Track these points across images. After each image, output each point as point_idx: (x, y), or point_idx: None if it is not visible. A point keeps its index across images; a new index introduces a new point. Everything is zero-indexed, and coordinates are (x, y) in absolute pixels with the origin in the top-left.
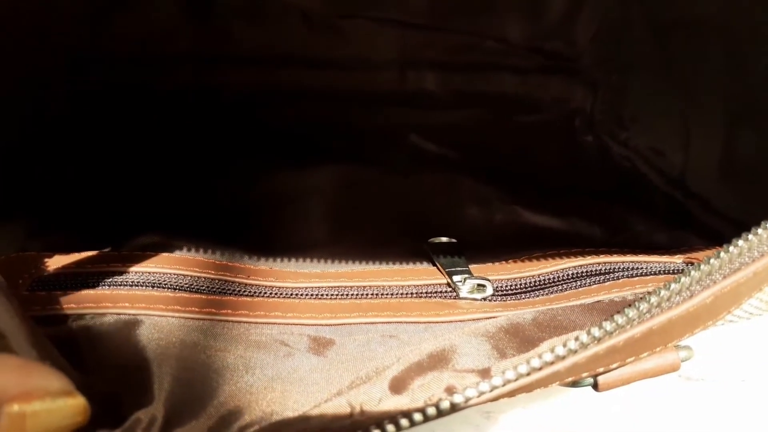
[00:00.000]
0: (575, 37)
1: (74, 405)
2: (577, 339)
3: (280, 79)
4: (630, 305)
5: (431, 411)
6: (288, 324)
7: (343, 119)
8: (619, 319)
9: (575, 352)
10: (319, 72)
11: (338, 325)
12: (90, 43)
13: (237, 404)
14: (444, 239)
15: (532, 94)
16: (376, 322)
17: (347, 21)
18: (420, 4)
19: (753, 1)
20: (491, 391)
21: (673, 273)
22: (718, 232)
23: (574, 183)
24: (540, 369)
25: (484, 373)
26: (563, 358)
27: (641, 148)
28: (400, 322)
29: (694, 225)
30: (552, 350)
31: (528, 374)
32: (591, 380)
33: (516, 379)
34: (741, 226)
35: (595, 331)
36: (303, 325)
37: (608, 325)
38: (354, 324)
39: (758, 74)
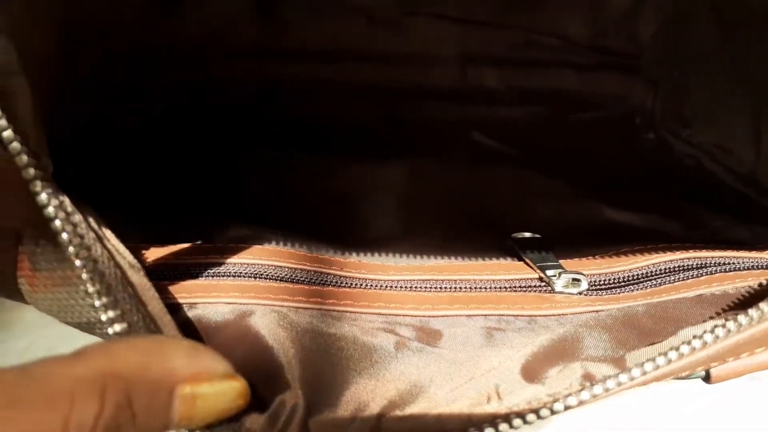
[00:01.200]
0: (637, 33)
1: (237, 387)
2: (713, 331)
3: (343, 74)
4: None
5: (572, 401)
6: (392, 314)
7: (404, 114)
8: (754, 313)
9: (710, 343)
10: (381, 67)
11: (441, 316)
12: (154, 38)
13: (368, 394)
14: (527, 234)
15: (592, 91)
16: (478, 314)
17: (409, 18)
18: (478, 1)
19: None
20: (631, 381)
21: (760, 270)
22: None
23: (639, 180)
24: (678, 360)
25: (619, 363)
26: (699, 349)
27: (706, 146)
28: (503, 315)
29: None
30: (689, 342)
31: (667, 364)
32: (703, 372)
33: (655, 370)
34: None
35: (742, 319)
36: (406, 315)
37: (754, 313)
38: (456, 316)
39: None
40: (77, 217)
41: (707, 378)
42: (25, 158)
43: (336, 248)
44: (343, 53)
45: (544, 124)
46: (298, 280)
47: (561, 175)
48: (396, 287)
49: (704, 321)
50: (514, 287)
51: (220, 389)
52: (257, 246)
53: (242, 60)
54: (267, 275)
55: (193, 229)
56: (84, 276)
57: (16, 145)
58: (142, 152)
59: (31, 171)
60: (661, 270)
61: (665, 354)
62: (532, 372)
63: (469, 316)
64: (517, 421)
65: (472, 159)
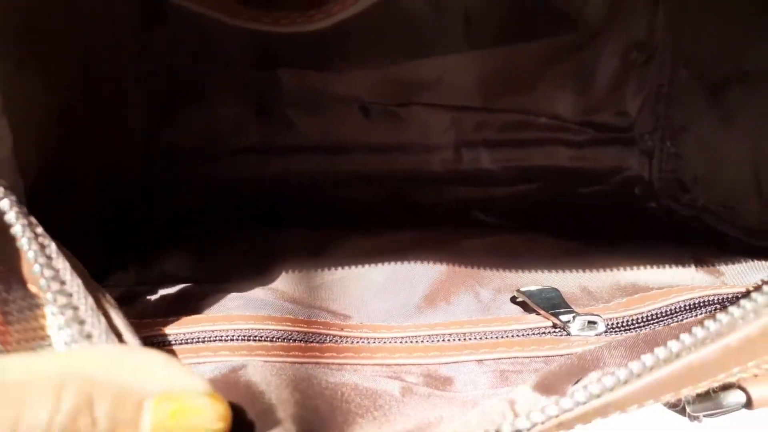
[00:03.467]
0: (625, 107)
1: (216, 408)
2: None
3: (343, 164)
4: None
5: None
6: (398, 364)
7: (406, 197)
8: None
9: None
10: (379, 155)
11: (452, 363)
12: (157, 137)
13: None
14: (535, 287)
15: (588, 166)
16: (489, 359)
17: (402, 108)
18: (470, 88)
19: None
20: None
21: None
22: None
23: (647, 241)
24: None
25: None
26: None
27: (709, 206)
28: (517, 357)
29: None
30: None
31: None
32: (742, 399)
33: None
34: None
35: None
36: (413, 365)
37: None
38: (466, 362)
39: None
40: (52, 251)
41: (748, 404)
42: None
43: (337, 315)
44: (342, 145)
45: (544, 199)
46: (294, 339)
47: (570, 238)
48: (402, 341)
49: None
50: (527, 333)
51: (196, 407)
52: (250, 313)
53: (246, 157)
54: (260, 337)
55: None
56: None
57: None
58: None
59: (5, 202)
60: (681, 308)
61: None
62: (549, 387)
63: (479, 361)
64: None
65: (478, 232)
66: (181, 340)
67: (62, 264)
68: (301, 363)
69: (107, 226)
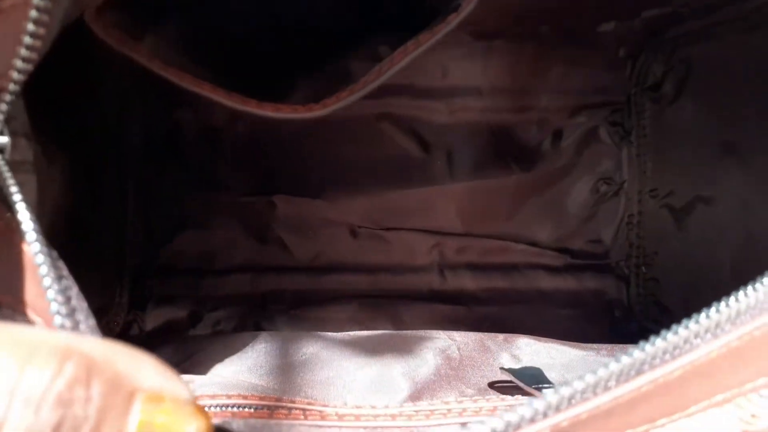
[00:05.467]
0: (599, 236)
1: (202, 422)
2: None
3: (332, 284)
4: None
5: None
6: (381, 427)
7: (391, 314)
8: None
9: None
10: (366, 276)
11: (434, 426)
12: (150, 257)
13: None
14: (518, 366)
15: (569, 289)
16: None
17: (389, 232)
18: (451, 217)
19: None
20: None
21: None
22: None
23: None
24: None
25: None
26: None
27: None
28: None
29: None
30: None
31: None
32: None
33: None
34: None
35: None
36: (396, 427)
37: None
38: (450, 424)
39: None
40: (73, 291)
41: None
42: (38, 246)
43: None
44: (331, 266)
45: (528, 320)
46: (275, 407)
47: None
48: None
49: None
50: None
51: (183, 414)
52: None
53: (238, 275)
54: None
55: None
56: None
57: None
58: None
59: (41, 257)
60: None
61: None
62: None
63: (463, 424)
64: None
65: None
66: None
67: (79, 304)
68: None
69: None
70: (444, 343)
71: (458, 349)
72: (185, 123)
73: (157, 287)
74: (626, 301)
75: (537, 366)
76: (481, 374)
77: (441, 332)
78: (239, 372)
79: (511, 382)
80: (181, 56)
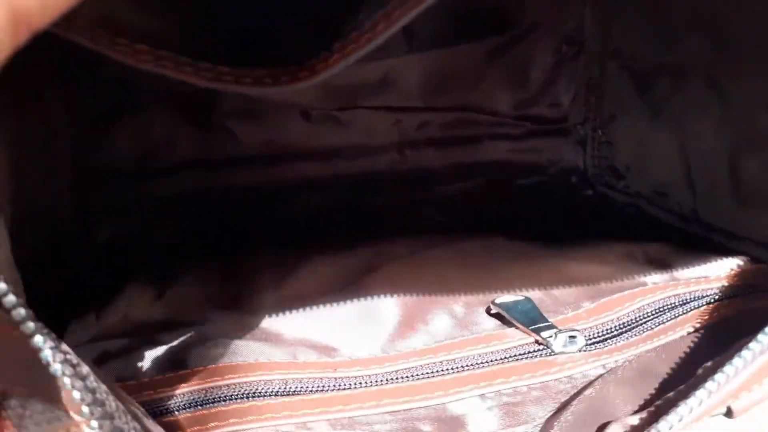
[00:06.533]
0: (558, 100)
1: None
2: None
3: (288, 174)
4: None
5: None
6: (405, 410)
7: (353, 203)
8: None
9: (731, 376)
10: (323, 163)
11: (457, 401)
12: (92, 161)
13: None
14: (510, 298)
15: (528, 158)
16: (491, 392)
17: (344, 112)
18: (411, 89)
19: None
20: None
21: (740, 296)
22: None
23: (591, 232)
24: (708, 398)
25: (653, 415)
26: (724, 383)
27: (643, 193)
28: (516, 387)
29: (727, 252)
30: (713, 378)
31: (699, 405)
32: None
33: (689, 413)
34: None
35: (754, 346)
36: (420, 408)
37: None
38: (471, 397)
39: (749, 105)
40: (84, 369)
41: (729, 413)
42: (22, 311)
43: (320, 351)
44: (286, 153)
45: (489, 193)
46: (321, 389)
47: (519, 236)
48: (398, 378)
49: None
50: (516, 356)
51: None
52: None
53: (187, 172)
54: (293, 391)
55: None
56: None
57: (11, 297)
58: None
59: (30, 325)
60: (647, 313)
61: (695, 393)
62: None
63: (482, 396)
64: None
65: (430, 237)
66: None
67: (96, 382)
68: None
69: (50, 269)
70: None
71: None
72: None
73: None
74: (582, 166)
75: (527, 297)
76: (467, 288)
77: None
78: None
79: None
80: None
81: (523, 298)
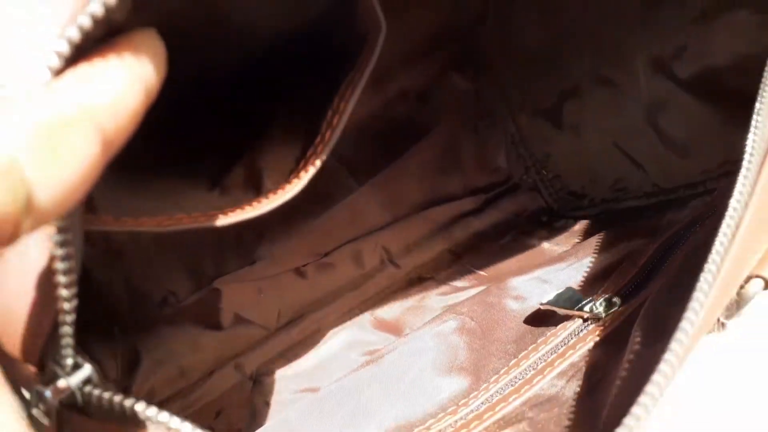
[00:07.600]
0: (496, 165)
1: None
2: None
3: (305, 331)
4: None
5: None
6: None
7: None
8: None
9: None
10: (332, 307)
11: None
12: None
13: None
14: (553, 294)
15: (497, 220)
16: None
17: (330, 256)
18: (377, 212)
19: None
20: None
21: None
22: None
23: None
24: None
25: None
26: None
27: (608, 197)
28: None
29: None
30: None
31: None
32: (760, 285)
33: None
34: None
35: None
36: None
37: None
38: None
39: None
40: None
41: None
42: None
43: None
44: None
45: (483, 265)
46: None
47: None
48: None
49: None
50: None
51: None
52: None
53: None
54: None
55: None
56: None
57: None
58: None
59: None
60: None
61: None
62: None
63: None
64: None
65: None
66: None
67: None
68: None
69: None
70: (455, 322)
71: (471, 318)
72: None
73: None
74: (546, 204)
75: (567, 286)
76: (506, 327)
77: (444, 314)
78: None
79: (554, 312)
80: None
81: (564, 289)
